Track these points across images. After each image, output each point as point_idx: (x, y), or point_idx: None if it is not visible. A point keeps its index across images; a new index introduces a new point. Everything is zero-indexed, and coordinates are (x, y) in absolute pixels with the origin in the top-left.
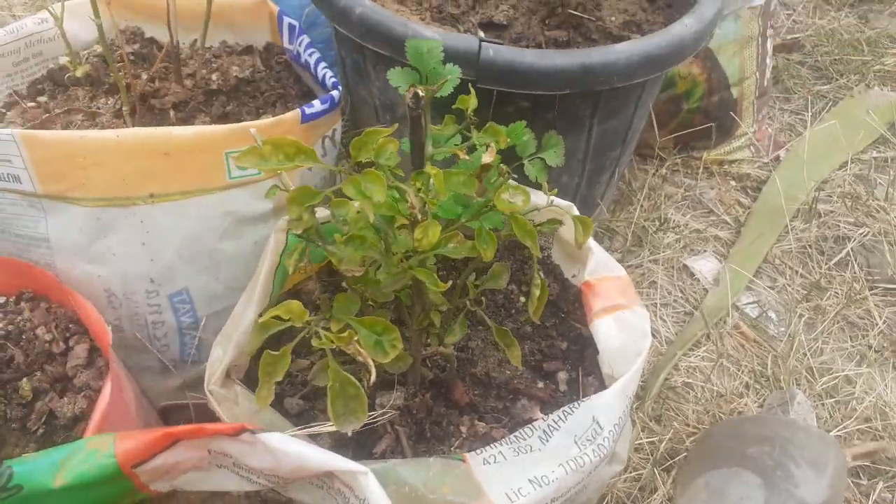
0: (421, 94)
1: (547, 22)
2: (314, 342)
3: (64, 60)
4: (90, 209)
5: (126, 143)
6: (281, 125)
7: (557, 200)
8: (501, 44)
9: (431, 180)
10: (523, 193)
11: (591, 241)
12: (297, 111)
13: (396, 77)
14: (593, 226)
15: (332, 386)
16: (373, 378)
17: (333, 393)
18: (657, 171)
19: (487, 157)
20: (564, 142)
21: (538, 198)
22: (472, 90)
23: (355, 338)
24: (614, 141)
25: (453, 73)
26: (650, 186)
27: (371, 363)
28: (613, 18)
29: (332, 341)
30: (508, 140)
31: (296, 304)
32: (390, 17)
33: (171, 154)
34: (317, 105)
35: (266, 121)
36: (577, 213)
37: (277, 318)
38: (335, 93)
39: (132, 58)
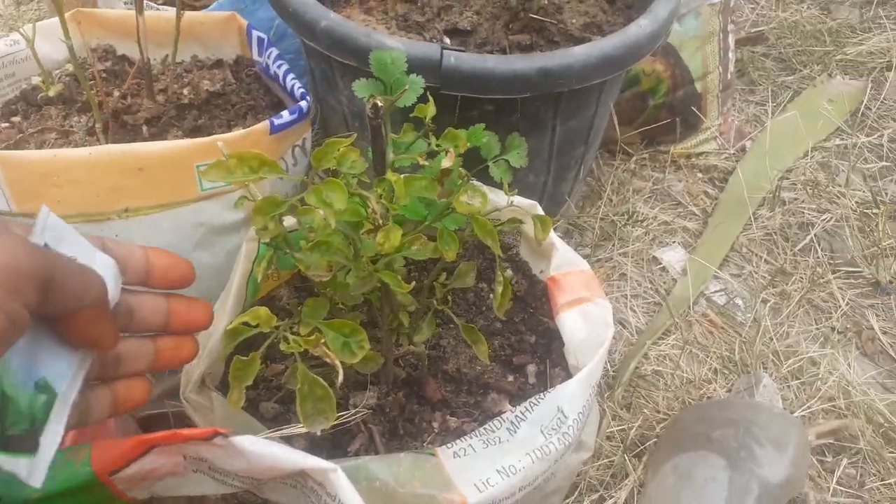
0: (380, 104)
1: (510, 26)
2: (282, 346)
3: (36, 80)
4: None
5: (99, 160)
6: (250, 137)
7: (520, 200)
8: (463, 51)
9: (393, 186)
10: (481, 195)
11: (555, 237)
12: (266, 122)
13: (362, 88)
14: (553, 223)
15: (301, 388)
16: (340, 378)
17: (302, 395)
18: (625, 166)
19: (447, 162)
20: (529, 142)
21: (500, 198)
22: (430, 99)
23: (322, 340)
24: (577, 139)
25: (416, 83)
26: (618, 181)
27: (339, 364)
28: (574, 21)
29: (300, 344)
30: (468, 143)
31: (263, 310)
32: (354, 28)
33: (144, 169)
34: (285, 116)
35: (235, 133)
36: (539, 211)
37: (246, 323)
38: (303, 103)
39: (104, 75)
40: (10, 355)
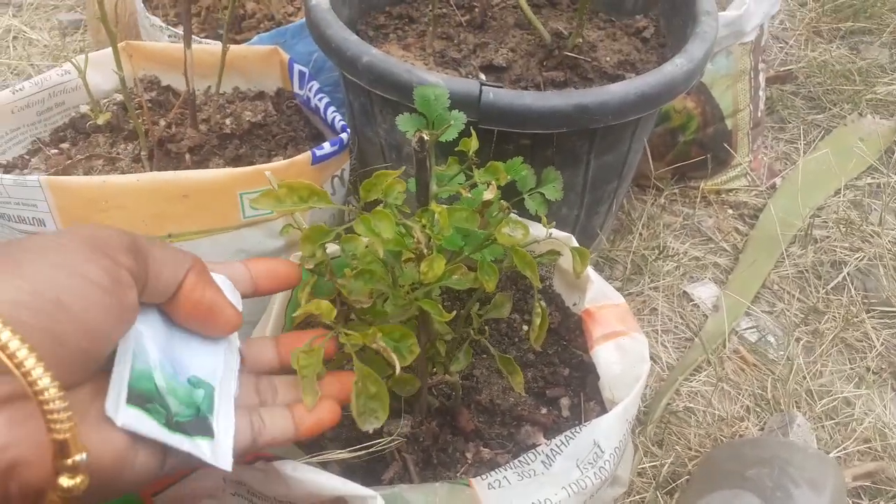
0: (426, 138)
1: (545, 63)
2: (341, 339)
3: (85, 109)
4: None
5: (146, 187)
6: (293, 167)
7: (556, 232)
8: (501, 87)
9: (436, 217)
10: (523, 227)
11: (590, 270)
12: (308, 153)
13: (405, 123)
14: (591, 256)
15: (356, 383)
16: (398, 369)
17: (357, 390)
18: (655, 201)
19: (488, 195)
20: (563, 176)
21: (537, 230)
22: (473, 133)
23: (379, 335)
24: (611, 174)
25: (458, 119)
26: (649, 216)
27: (395, 358)
28: (608, 58)
29: (359, 338)
30: (507, 176)
31: (325, 303)
32: (395, 64)
33: (189, 196)
34: (326, 147)
35: (279, 163)
36: (575, 244)
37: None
38: (344, 135)
39: (150, 105)
40: (151, 353)
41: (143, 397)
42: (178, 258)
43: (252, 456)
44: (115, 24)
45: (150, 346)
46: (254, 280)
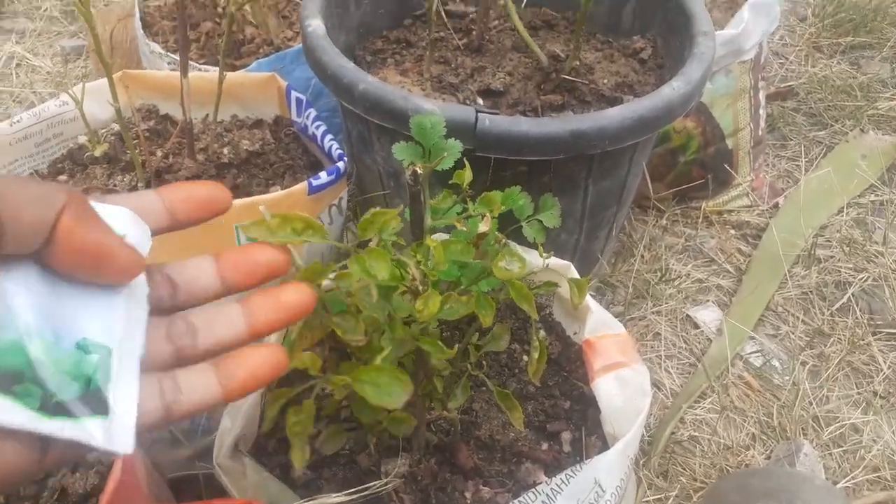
0: (419, 171)
1: (542, 87)
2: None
3: (83, 140)
4: None
5: None
6: (289, 198)
7: (554, 261)
8: (497, 113)
9: (431, 251)
10: (520, 260)
11: (590, 299)
12: (304, 184)
13: (401, 151)
14: (591, 282)
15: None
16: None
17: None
18: (657, 222)
19: (483, 227)
20: (561, 202)
21: (535, 259)
22: (466, 164)
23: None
24: (610, 199)
25: (454, 148)
26: (650, 238)
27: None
28: (606, 81)
29: (342, 381)
30: (503, 207)
31: (308, 355)
32: (392, 91)
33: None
34: (323, 177)
35: (275, 194)
36: (574, 273)
37: (287, 390)
38: (341, 164)
39: (148, 134)
40: (22, 317)
41: (9, 377)
42: (46, 195)
43: (242, 502)
44: (111, 53)
45: (21, 309)
46: (168, 209)
